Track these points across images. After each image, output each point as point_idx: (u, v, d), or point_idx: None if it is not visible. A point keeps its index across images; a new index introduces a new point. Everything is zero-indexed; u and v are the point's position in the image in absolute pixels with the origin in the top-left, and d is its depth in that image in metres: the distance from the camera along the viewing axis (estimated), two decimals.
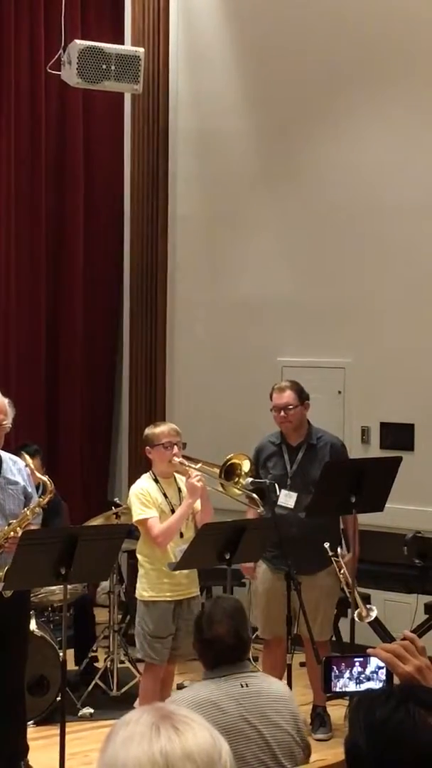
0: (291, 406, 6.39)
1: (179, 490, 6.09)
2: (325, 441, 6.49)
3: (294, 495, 6.33)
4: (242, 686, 3.77)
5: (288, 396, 6.41)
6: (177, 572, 5.88)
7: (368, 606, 5.93)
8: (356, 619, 5.90)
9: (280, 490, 6.25)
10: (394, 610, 6.72)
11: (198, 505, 6.02)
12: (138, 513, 5.97)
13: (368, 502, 6.06)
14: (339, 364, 8.01)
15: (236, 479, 6.12)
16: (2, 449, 5.49)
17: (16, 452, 5.66)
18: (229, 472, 6.15)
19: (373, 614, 5.91)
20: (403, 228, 7.75)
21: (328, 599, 6.43)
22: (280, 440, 6.49)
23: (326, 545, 5.98)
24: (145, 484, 6.07)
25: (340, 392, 7.99)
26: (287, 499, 6.34)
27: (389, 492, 6.13)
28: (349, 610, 6.10)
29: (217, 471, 6.12)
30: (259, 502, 6.13)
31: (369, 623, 6.19)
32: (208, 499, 6.07)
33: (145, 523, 5.94)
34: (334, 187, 8.11)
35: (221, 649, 3.86)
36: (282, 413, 6.40)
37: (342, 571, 6.03)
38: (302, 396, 6.45)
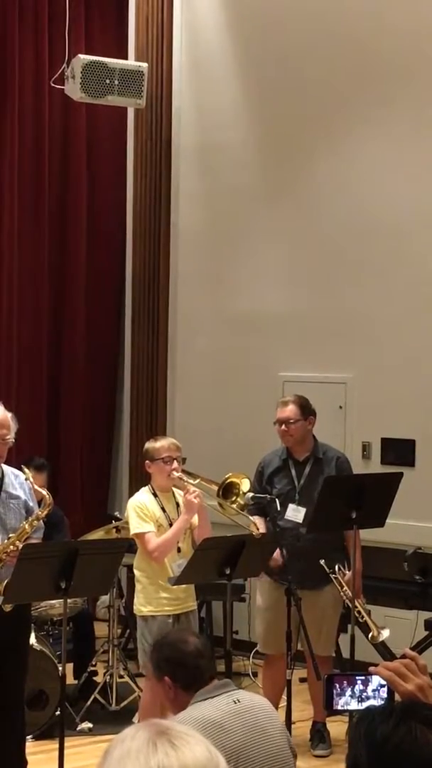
0: (292, 420, 6.37)
1: (177, 504, 6.10)
2: (331, 455, 6.48)
3: (302, 510, 6.30)
4: (235, 702, 3.76)
5: (290, 410, 6.39)
6: (175, 586, 5.87)
7: (380, 627, 5.93)
8: (369, 640, 5.89)
9: (282, 506, 6.23)
10: (394, 626, 6.69)
11: (195, 520, 6.02)
12: (135, 527, 5.97)
13: (369, 517, 6.05)
14: (340, 380, 8.01)
15: (234, 498, 6.12)
16: (5, 463, 5.49)
17: (19, 467, 5.65)
18: (227, 490, 6.15)
19: (385, 634, 5.90)
20: (405, 244, 7.76)
21: (332, 614, 6.41)
22: (286, 455, 6.48)
23: (322, 562, 5.96)
24: (143, 497, 6.08)
25: (341, 407, 7.99)
26: (295, 513, 6.32)
27: (390, 507, 6.12)
28: (349, 626, 6.08)
29: (215, 488, 6.12)
30: (258, 525, 6.06)
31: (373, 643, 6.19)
32: (207, 516, 6.07)
33: (141, 537, 5.95)
34: (336, 203, 8.13)
35: (198, 665, 3.85)
36: (283, 427, 6.39)
37: (344, 589, 6.02)
38: (305, 411, 6.43)
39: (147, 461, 6.11)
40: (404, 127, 7.79)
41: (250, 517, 6.14)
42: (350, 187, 8.05)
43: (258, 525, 6.18)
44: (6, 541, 5.32)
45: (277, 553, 6.02)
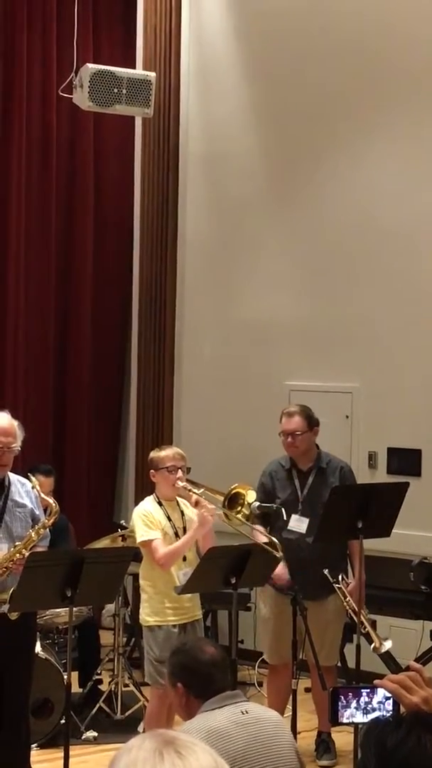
0: (299, 432, 6.38)
1: (182, 513, 6.10)
2: (334, 465, 6.48)
3: (306, 520, 6.31)
4: (243, 713, 3.76)
5: (296, 422, 6.40)
6: (180, 596, 5.87)
7: (383, 638, 5.92)
8: (372, 651, 5.88)
9: (288, 515, 6.23)
10: (399, 636, 6.68)
11: None
12: (141, 534, 5.97)
13: (375, 527, 6.04)
14: (347, 389, 8.01)
15: (239, 508, 6.11)
16: (11, 471, 5.49)
17: (26, 474, 5.65)
18: (232, 501, 6.14)
19: (388, 645, 5.88)
20: (412, 252, 7.76)
21: (336, 624, 6.41)
22: (289, 464, 6.47)
23: (325, 572, 5.95)
24: (148, 506, 6.08)
25: (347, 417, 7.99)
26: (299, 523, 6.32)
27: (396, 517, 6.11)
28: (355, 636, 6.07)
29: (220, 498, 6.12)
30: (277, 545, 5.89)
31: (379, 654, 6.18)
32: (211, 527, 6.06)
33: (148, 544, 5.94)
34: (343, 211, 8.13)
35: (211, 674, 3.85)
36: (290, 438, 6.39)
37: (347, 599, 6.00)
38: (311, 422, 6.44)
39: (152, 470, 6.11)
40: (412, 135, 7.79)
41: (254, 527, 6.11)
42: (357, 195, 8.05)
43: (260, 534, 6.12)
44: (12, 549, 5.33)
45: (281, 569, 5.95)
